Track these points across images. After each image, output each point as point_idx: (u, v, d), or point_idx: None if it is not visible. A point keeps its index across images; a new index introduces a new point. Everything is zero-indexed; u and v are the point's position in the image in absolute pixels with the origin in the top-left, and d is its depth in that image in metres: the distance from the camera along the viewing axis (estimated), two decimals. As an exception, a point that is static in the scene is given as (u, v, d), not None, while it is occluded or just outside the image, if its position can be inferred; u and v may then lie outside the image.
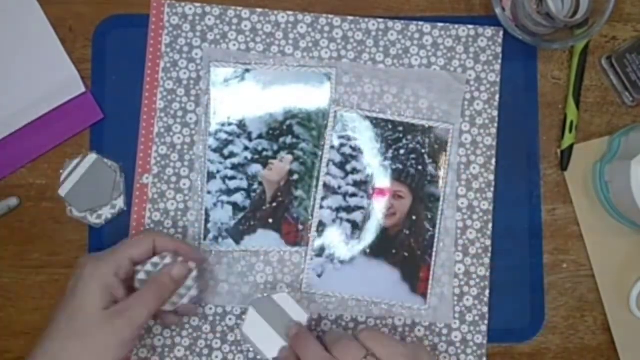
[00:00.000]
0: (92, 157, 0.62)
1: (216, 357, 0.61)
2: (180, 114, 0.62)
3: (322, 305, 0.62)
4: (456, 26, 0.63)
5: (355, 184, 0.62)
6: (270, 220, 0.62)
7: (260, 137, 0.62)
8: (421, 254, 0.62)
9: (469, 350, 0.62)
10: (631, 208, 0.59)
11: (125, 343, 0.51)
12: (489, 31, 0.63)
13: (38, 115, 0.61)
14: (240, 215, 0.62)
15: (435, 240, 0.62)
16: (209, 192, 0.62)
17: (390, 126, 0.62)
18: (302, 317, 0.56)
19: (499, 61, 0.63)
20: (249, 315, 0.56)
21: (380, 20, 0.63)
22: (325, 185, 0.62)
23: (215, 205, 0.61)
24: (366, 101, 0.62)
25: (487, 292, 0.62)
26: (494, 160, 0.63)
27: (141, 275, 0.55)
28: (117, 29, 0.63)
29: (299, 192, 0.62)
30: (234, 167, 0.62)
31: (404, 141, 0.62)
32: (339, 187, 0.62)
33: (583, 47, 0.63)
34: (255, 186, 0.62)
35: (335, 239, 0.62)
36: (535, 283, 0.63)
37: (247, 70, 0.62)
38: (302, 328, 0.55)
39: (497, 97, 0.63)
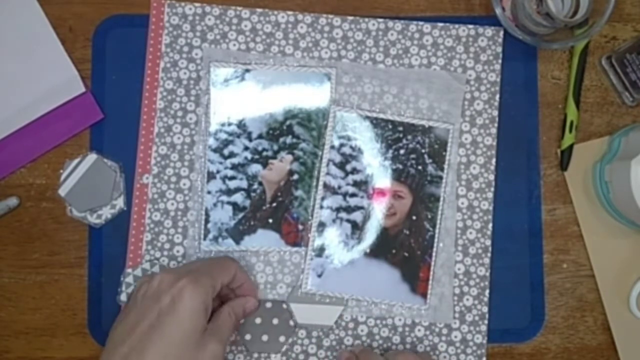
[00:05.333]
0: (92, 157, 0.62)
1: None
2: (180, 114, 0.62)
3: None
4: (456, 26, 0.63)
5: (355, 184, 0.62)
6: (270, 220, 0.62)
7: (260, 137, 0.62)
8: (421, 254, 0.62)
9: (468, 350, 0.62)
10: (631, 208, 0.59)
11: None
12: (489, 31, 0.63)
13: (38, 115, 0.61)
14: (240, 215, 0.62)
15: (435, 240, 0.62)
16: (209, 192, 0.62)
17: (390, 126, 0.62)
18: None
19: (499, 61, 0.63)
20: None
21: (380, 20, 0.63)
22: (325, 185, 0.62)
23: (215, 205, 0.61)
24: (366, 101, 0.62)
25: (487, 292, 0.62)
26: (494, 160, 0.63)
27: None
28: (117, 29, 0.63)
29: (299, 192, 0.62)
30: (234, 167, 0.62)
31: (404, 141, 0.62)
32: (339, 187, 0.62)
33: (583, 47, 0.63)
34: (255, 186, 0.62)
35: (335, 239, 0.62)
36: (535, 283, 0.63)
37: (247, 70, 0.62)
38: (368, 348, 0.61)
39: (497, 97, 0.63)
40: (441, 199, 0.62)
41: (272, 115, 0.62)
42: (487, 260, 0.62)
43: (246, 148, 0.62)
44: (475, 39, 0.63)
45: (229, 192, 0.62)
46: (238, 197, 0.62)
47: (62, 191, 0.62)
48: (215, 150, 0.62)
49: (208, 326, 0.53)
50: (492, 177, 0.63)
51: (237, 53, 0.62)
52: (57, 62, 0.62)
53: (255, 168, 0.62)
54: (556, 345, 0.63)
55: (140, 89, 0.62)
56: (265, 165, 0.62)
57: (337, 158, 0.62)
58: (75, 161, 0.62)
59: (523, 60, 0.64)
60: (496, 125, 0.63)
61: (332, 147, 0.62)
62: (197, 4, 0.62)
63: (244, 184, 0.62)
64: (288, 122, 0.62)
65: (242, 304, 0.58)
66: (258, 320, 0.61)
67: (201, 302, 0.51)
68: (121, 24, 0.63)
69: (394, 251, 0.62)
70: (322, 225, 0.62)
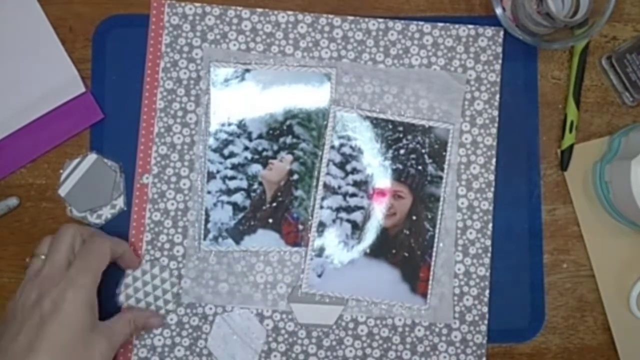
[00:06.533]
0: (92, 157, 0.62)
1: (216, 357, 0.61)
2: (180, 113, 0.62)
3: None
4: (456, 26, 0.63)
5: (355, 184, 0.62)
6: (270, 220, 0.62)
7: (260, 137, 0.62)
8: (421, 254, 0.62)
9: (468, 350, 0.62)
10: (631, 208, 0.59)
11: None
12: (489, 31, 0.63)
13: (38, 115, 0.61)
14: (240, 215, 0.62)
15: (435, 240, 0.62)
16: (209, 192, 0.62)
17: (390, 126, 0.62)
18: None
19: (499, 61, 0.63)
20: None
21: (380, 20, 0.63)
22: (325, 185, 0.62)
23: (215, 205, 0.61)
24: (366, 101, 0.62)
25: (487, 292, 0.62)
26: (494, 160, 0.63)
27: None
28: (117, 29, 0.63)
29: (299, 192, 0.62)
30: (234, 167, 0.62)
31: (404, 141, 0.62)
32: (339, 187, 0.62)
33: (583, 47, 0.63)
34: (255, 186, 0.62)
35: (335, 239, 0.62)
36: (535, 283, 0.63)
37: (247, 70, 0.62)
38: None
39: (497, 97, 0.63)
40: (441, 199, 0.62)
41: (272, 115, 0.62)
42: (487, 260, 0.62)
43: (246, 148, 0.62)
44: (476, 39, 0.63)
45: (229, 192, 0.62)
46: (238, 197, 0.62)
47: (62, 191, 0.62)
48: (215, 150, 0.62)
49: (102, 324, 0.53)
50: (492, 177, 0.63)
51: (237, 53, 0.62)
52: (57, 62, 0.62)
53: (255, 168, 0.62)
54: (556, 345, 0.63)
55: (140, 89, 0.62)
56: (265, 165, 0.62)
57: (337, 158, 0.62)
58: (75, 161, 0.62)
59: (523, 60, 0.64)
60: (496, 125, 0.63)
61: (332, 147, 0.62)
62: (197, 4, 0.62)
63: (244, 184, 0.62)
64: (288, 122, 0.62)
65: (147, 316, 0.59)
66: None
67: (85, 301, 0.51)
68: (121, 24, 0.63)
69: (394, 251, 0.62)
70: (322, 225, 0.62)
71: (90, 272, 0.53)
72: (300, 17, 0.62)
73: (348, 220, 0.62)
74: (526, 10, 0.59)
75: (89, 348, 0.51)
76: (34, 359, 0.48)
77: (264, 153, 0.62)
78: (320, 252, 0.62)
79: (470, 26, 0.63)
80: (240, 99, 0.62)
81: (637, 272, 0.63)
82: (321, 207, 0.62)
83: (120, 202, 0.62)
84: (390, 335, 0.62)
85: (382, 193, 0.62)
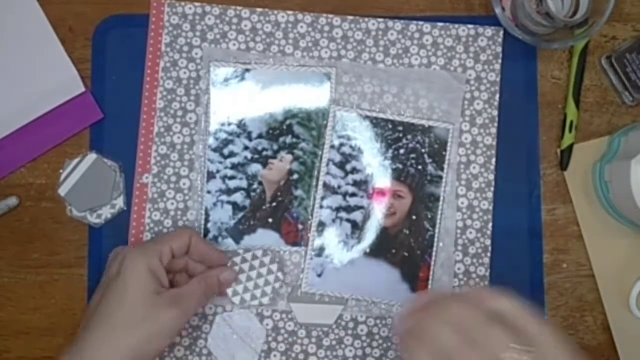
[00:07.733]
0: (92, 157, 0.62)
1: (216, 357, 0.61)
2: (180, 113, 0.62)
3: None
4: (456, 26, 0.63)
5: (355, 183, 0.62)
6: (270, 220, 0.62)
7: (260, 136, 0.62)
8: (421, 253, 0.62)
9: (469, 350, 0.62)
10: (631, 208, 0.59)
11: (175, 333, 0.54)
12: (489, 31, 0.63)
13: (38, 115, 0.61)
14: (240, 215, 0.62)
15: (435, 240, 0.62)
16: (209, 192, 0.62)
17: (390, 126, 0.62)
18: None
19: (499, 61, 0.63)
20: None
21: (380, 20, 0.63)
22: (325, 185, 0.62)
23: (215, 205, 0.61)
24: (366, 101, 0.62)
25: (487, 292, 0.62)
26: (494, 160, 0.63)
27: None
28: (117, 29, 0.63)
29: (299, 192, 0.62)
30: (234, 166, 0.62)
31: (404, 141, 0.62)
32: (339, 187, 0.62)
33: (583, 47, 0.63)
34: (255, 186, 0.62)
35: (335, 239, 0.62)
36: (535, 283, 0.63)
37: (247, 70, 0.62)
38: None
39: (497, 97, 0.63)
40: (441, 198, 0.62)
41: (272, 115, 0.62)
42: (487, 260, 0.62)
43: (246, 148, 0.62)
44: (475, 39, 0.63)
45: (229, 191, 0.62)
46: (238, 197, 0.62)
47: (62, 191, 0.62)
48: (215, 150, 0.62)
49: (171, 290, 0.54)
50: (492, 177, 0.63)
51: (237, 53, 0.62)
52: (57, 62, 0.62)
53: (255, 168, 0.62)
54: (556, 345, 0.63)
55: (140, 89, 0.62)
56: (265, 165, 0.62)
57: (337, 158, 0.62)
58: (75, 161, 0.62)
59: (523, 60, 0.64)
60: (496, 125, 0.63)
61: (332, 147, 0.62)
62: (197, 4, 0.62)
63: (244, 183, 0.62)
64: (288, 122, 0.62)
65: (216, 274, 0.57)
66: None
67: (145, 264, 0.52)
68: (121, 24, 0.63)
69: (394, 251, 0.62)
70: (322, 225, 0.62)
71: (158, 242, 0.55)
72: (300, 17, 0.62)
73: (348, 220, 0.62)
74: (526, 10, 0.59)
75: (153, 312, 0.51)
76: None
77: (264, 153, 0.62)
78: (320, 252, 0.62)
79: (470, 26, 0.63)
80: (240, 99, 0.62)
81: (637, 272, 0.63)
82: (321, 207, 0.62)
83: (120, 202, 0.62)
84: (390, 335, 0.62)
85: (382, 193, 0.62)
